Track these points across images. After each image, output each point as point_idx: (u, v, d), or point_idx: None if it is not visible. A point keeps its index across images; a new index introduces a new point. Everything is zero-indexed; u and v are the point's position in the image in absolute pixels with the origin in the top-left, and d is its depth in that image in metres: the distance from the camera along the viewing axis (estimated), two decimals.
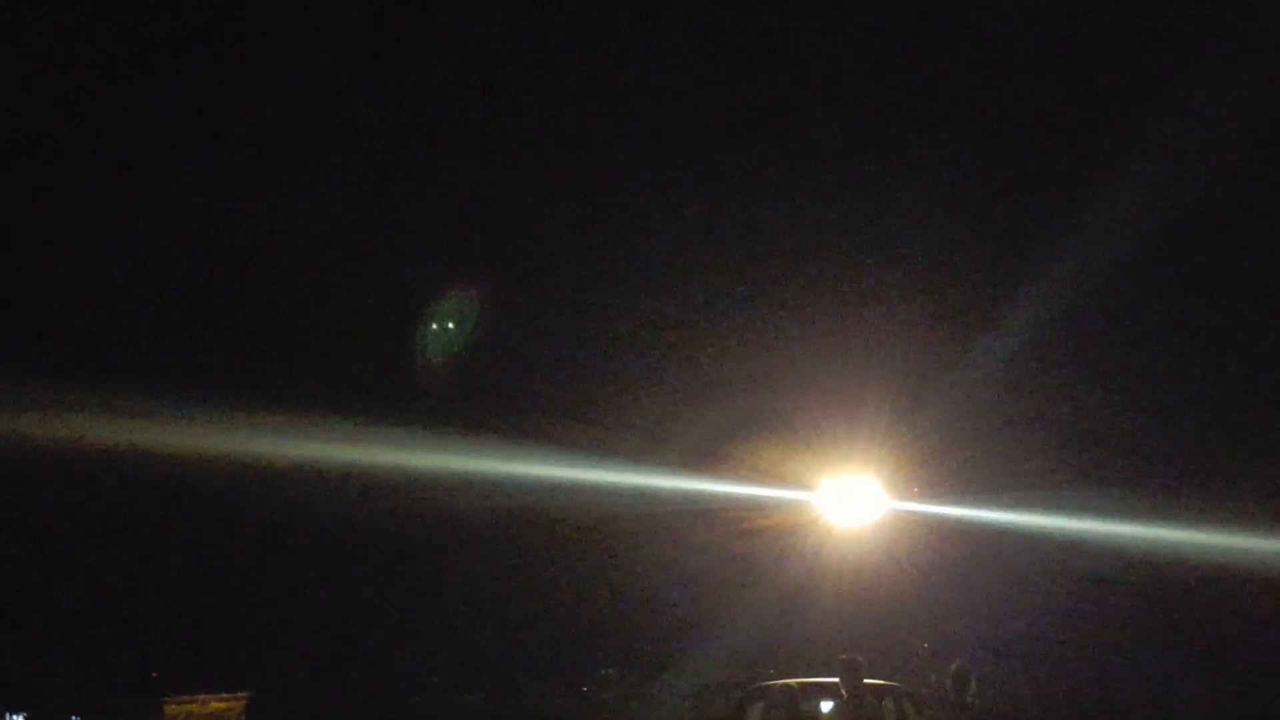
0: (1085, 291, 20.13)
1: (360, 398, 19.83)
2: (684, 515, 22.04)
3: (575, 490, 20.62)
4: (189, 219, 19.77)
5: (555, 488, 20.44)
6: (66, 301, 20.45)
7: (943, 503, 21.57)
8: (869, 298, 21.93)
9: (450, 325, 22.13)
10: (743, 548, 22.35)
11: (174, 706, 17.86)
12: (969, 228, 21.05)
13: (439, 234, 21.15)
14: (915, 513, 21.68)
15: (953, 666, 12.11)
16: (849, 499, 21.44)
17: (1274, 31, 17.08)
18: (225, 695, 18.32)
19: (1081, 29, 19.85)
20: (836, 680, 13.11)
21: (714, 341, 22.73)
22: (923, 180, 20.57)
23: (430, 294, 21.61)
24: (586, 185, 21.55)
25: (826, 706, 13.53)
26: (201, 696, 18.19)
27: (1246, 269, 20.49)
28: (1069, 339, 21.38)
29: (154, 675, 19.74)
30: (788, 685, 14.15)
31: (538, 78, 20.62)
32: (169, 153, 19.58)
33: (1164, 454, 21.00)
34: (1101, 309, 21.09)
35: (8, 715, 19.23)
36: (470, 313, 22.06)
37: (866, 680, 12.34)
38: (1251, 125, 17.77)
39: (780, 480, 21.73)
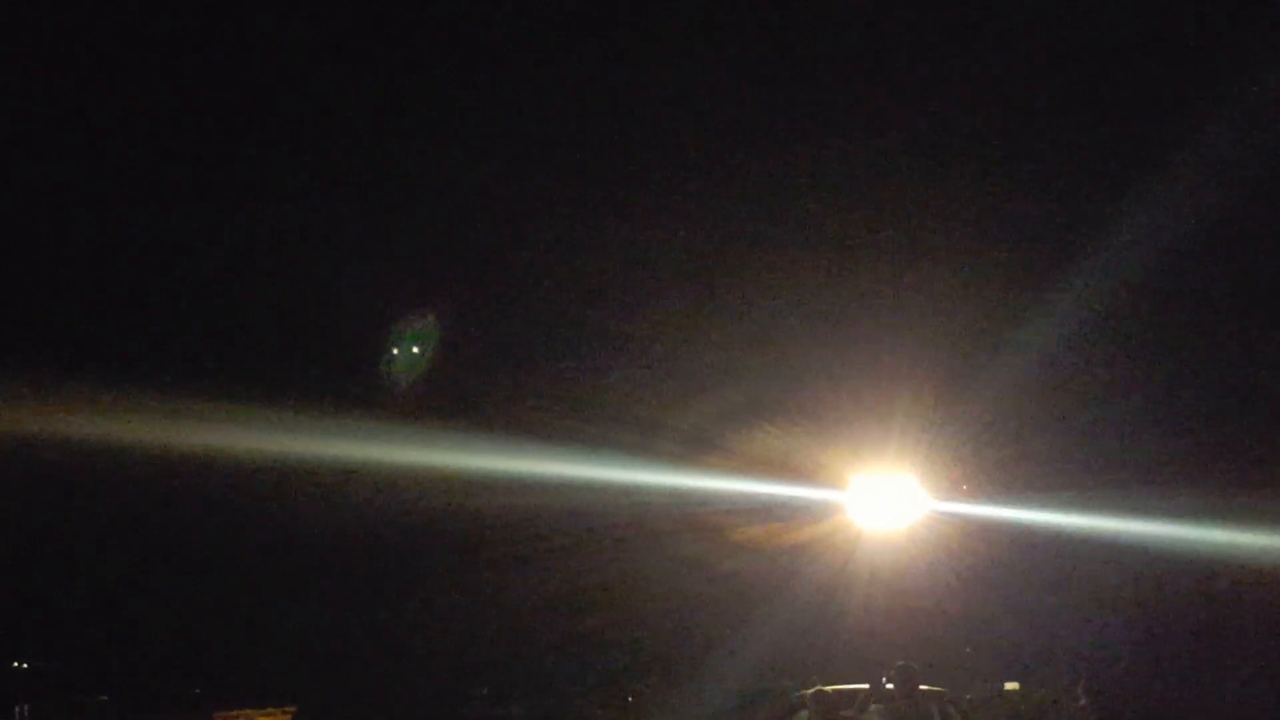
0: (1152, 270, 19.56)
1: (386, 396, 19.96)
2: (715, 516, 21.98)
3: (603, 491, 20.61)
4: (179, 218, 19.64)
5: (584, 488, 20.39)
6: (61, 301, 20.41)
7: (991, 503, 21.23)
8: (906, 274, 20.98)
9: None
10: (773, 551, 22.34)
11: None
12: (1022, 200, 20.52)
13: (426, 223, 20.95)
14: (960, 514, 21.29)
15: (894, 667, 12.28)
16: (886, 499, 20.97)
17: None
18: (271, 709, 18.47)
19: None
20: (884, 686, 13.33)
21: (742, 331, 22.35)
22: (971, 159, 20.23)
23: (420, 290, 21.46)
24: (607, 166, 21.25)
25: (873, 713, 13.65)
26: (247, 711, 18.33)
27: None
28: (1136, 320, 20.77)
29: (198, 690, 19.95)
30: (834, 691, 14.26)
31: (527, 66, 20.38)
32: (158, 153, 19.50)
33: (1238, 451, 20.58)
34: (1171, 289, 20.41)
35: None
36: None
37: (921, 687, 12.53)
38: None
39: (815, 479, 21.45)
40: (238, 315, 20.76)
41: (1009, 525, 20.98)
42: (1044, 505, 20.62)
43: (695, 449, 21.57)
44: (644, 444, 21.27)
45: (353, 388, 20.52)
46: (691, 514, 21.82)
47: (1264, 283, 20.31)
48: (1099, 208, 20.05)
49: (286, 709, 18.60)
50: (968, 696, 14.78)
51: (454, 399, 21.44)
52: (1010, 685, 19.63)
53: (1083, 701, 13.44)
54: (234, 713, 18.24)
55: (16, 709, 18.83)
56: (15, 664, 20.71)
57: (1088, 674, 16.21)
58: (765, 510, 21.85)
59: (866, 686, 13.77)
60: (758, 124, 21.10)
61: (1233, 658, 19.14)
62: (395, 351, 21.68)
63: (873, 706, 13.45)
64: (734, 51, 20.16)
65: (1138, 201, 19.34)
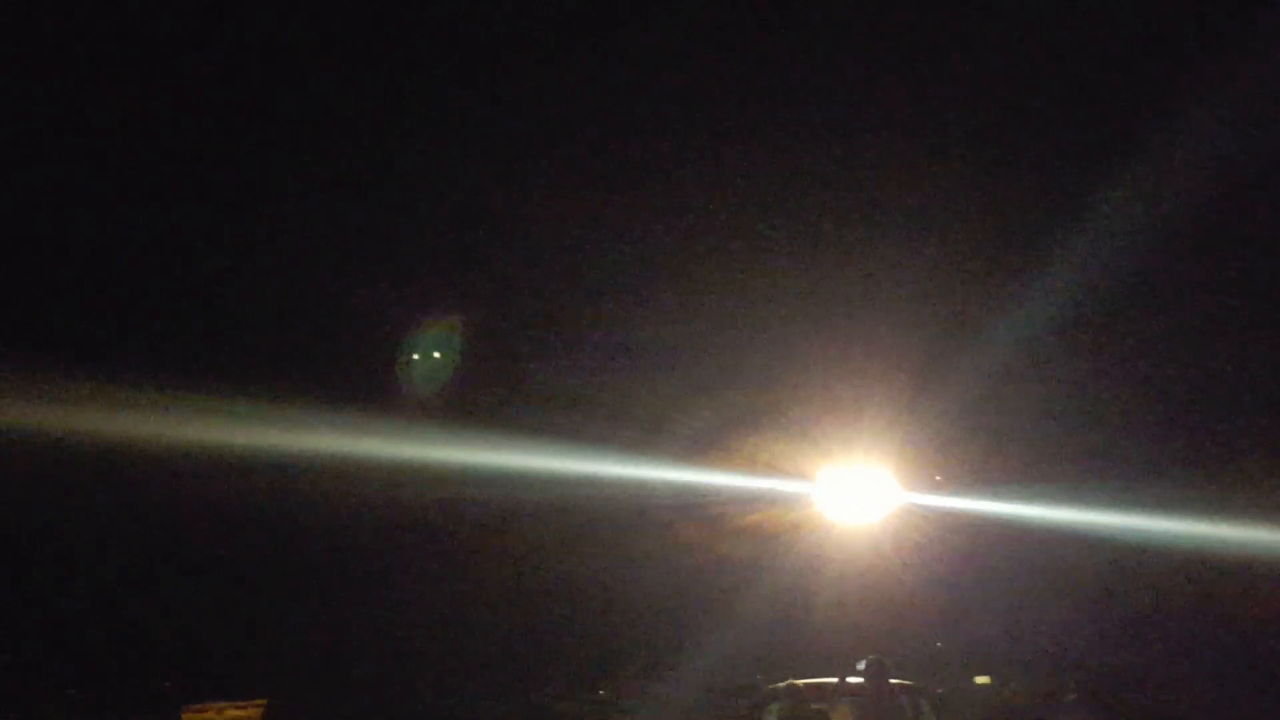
0: (1127, 262, 19.60)
1: (348, 392, 19.85)
2: (677, 510, 21.83)
3: (566, 485, 20.46)
4: (184, 215, 19.61)
5: (545, 482, 20.30)
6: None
7: (963, 496, 21.18)
8: (880, 265, 21.19)
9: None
10: (739, 544, 22.17)
11: (192, 715, 17.91)
12: (997, 191, 20.49)
13: (420, 226, 20.91)
14: (932, 506, 21.19)
15: (865, 661, 12.38)
16: (857, 491, 20.84)
17: None
18: (241, 703, 18.37)
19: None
20: (853, 680, 13.40)
21: (712, 322, 22.22)
22: (941, 147, 20.20)
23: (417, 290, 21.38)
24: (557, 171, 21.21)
25: (844, 707, 13.71)
26: (218, 704, 18.24)
27: None
28: (1110, 312, 20.89)
29: (167, 684, 19.83)
30: (805, 685, 14.31)
31: (525, 68, 20.37)
32: (161, 150, 19.47)
33: (1212, 442, 20.66)
34: (1146, 281, 20.47)
35: None
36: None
37: (891, 680, 12.62)
38: None
39: (785, 472, 21.39)
40: (216, 309, 20.75)
41: (981, 518, 21.01)
42: (1016, 498, 20.63)
43: (661, 441, 21.51)
44: (606, 436, 21.20)
45: (325, 381, 20.43)
46: (660, 507, 21.74)
47: (1238, 276, 20.42)
48: (1073, 200, 20.10)
49: (257, 702, 18.52)
50: (938, 690, 14.81)
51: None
52: (981, 679, 19.70)
53: (1073, 697, 13.48)
54: (203, 706, 18.15)
55: None
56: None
57: (1078, 669, 16.33)
58: (735, 503, 21.78)
59: (836, 680, 13.86)
60: (724, 120, 21.16)
61: (1212, 650, 19.27)
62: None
63: (843, 699, 13.59)
64: (703, 46, 20.22)
65: (1112, 194, 19.36)
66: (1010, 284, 20.75)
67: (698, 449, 21.56)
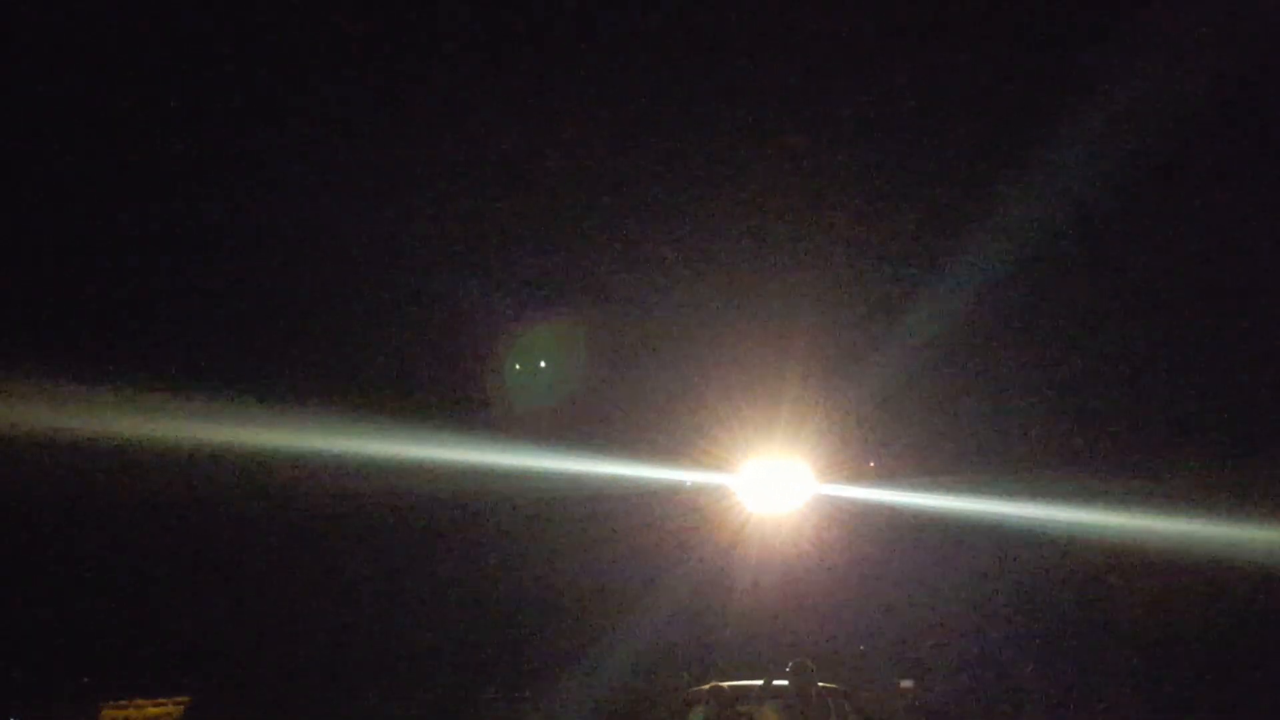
0: (1042, 251, 19.85)
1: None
2: (590, 503, 21.47)
3: (467, 474, 20.15)
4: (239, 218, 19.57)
5: (444, 471, 19.97)
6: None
7: (882, 487, 21.23)
8: (794, 258, 21.14)
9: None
10: (649, 539, 21.87)
11: (111, 712, 17.74)
12: (912, 172, 20.53)
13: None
14: (848, 498, 21.19)
15: (791, 664, 12.60)
16: (772, 483, 20.87)
17: None
18: (163, 700, 18.21)
19: None
20: (778, 683, 13.58)
21: (613, 304, 22.10)
22: (857, 133, 20.20)
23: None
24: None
25: (769, 710, 13.87)
26: (138, 702, 18.06)
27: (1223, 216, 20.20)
28: (1028, 298, 21.06)
29: (85, 680, 19.62)
30: (731, 688, 14.47)
31: (515, 65, 20.27)
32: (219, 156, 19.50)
33: (1131, 433, 20.87)
34: (1064, 263, 20.74)
35: None
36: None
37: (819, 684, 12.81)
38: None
39: (695, 463, 21.21)
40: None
41: (898, 510, 21.06)
42: (935, 490, 20.83)
43: (574, 433, 21.51)
44: (514, 427, 21.08)
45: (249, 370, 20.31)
46: (572, 500, 21.51)
47: (1158, 261, 20.65)
48: (987, 189, 20.30)
49: (179, 700, 18.37)
50: (863, 693, 15.06)
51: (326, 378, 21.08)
52: (905, 683, 19.93)
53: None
54: (123, 703, 17.98)
55: None
56: None
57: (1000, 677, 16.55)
58: (651, 495, 21.68)
59: (761, 683, 14.02)
60: (637, 111, 21.19)
61: (1127, 644, 19.62)
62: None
63: (769, 702, 13.78)
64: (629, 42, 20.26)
65: (1031, 179, 19.62)
66: (926, 275, 20.98)
67: (614, 441, 21.40)
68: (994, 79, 20.09)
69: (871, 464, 21.29)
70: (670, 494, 21.63)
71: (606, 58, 19.81)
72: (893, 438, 21.74)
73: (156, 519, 20.46)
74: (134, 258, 19.95)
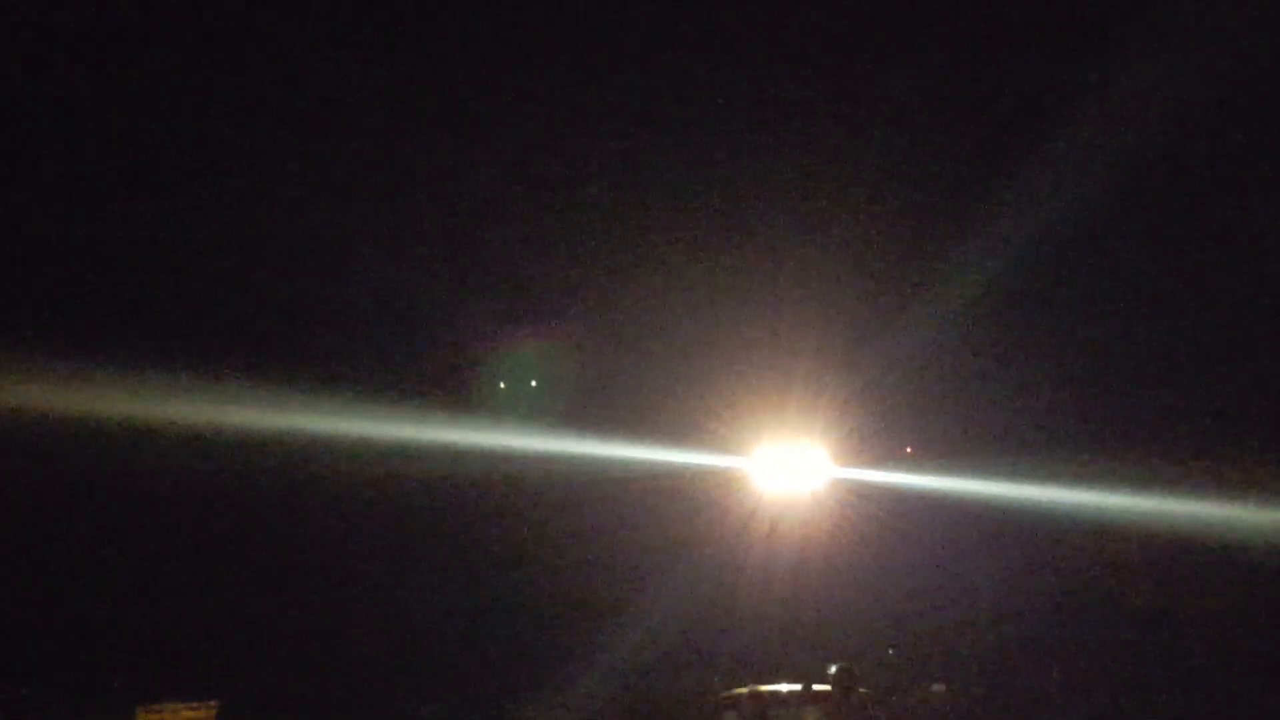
0: (1067, 231, 19.68)
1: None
2: (583, 487, 21.02)
3: (480, 458, 20.03)
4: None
5: (458, 455, 19.85)
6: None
7: (907, 471, 20.52)
8: (811, 240, 20.93)
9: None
10: (654, 526, 21.46)
11: (147, 716, 17.84)
12: (930, 151, 20.44)
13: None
14: (871, 484, 20.40)
15: (834, 668, 12.68)
16: (787, 466, 20.09)
17: None
18: (195, 704, 18.29)
19: None
20: (819, 688, 13.68)
21: (629, 288, 21.78)
22: (871, 123, 20.12)
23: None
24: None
25: (809, 716, 13.84)
26: (171, 705, 18.16)
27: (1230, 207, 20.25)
28: (1046, 279, 20.87)
29: (117, 685, 19.70)
30: (765, 692, 14.48)
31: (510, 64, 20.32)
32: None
33: (1157, 418, 20.35)
34: (1084, 254, 20.63)
35: None
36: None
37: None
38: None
39: (704, 446, 20.71)
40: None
41: (927, 496, 20.36)
42: (961, 473, 20.07)
43: (585, 415, 21.36)
44: (527, 409, 20.92)
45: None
46: (583, 484, 21.09)
47: (1171, 249, 20.59)
48: (1009, 170, 20.13)
49: (210, 704, 18.45)
50: (894, 698, 15.10)
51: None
52: (937, 687, 19.66)
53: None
54: (158, 707, 18.08)
55: None
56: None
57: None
58: (656, 479, 21.01)
59: (799, 687, 14.06)
60: (641, 104, 21.14)
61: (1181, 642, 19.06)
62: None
63: (809, 708, 13.82)
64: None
65: (1048, 163, 19.56)
66: (941, 259, 20.78)
67: (619, 423, 21.03)
68: (1023, 61, 20.07)
69: (908, 449, 20.70)
70: (678, 477, 21.04)
71: (615, 49, 19.80)
72: (920, 418, 21.21)
73: (184, 518, 20.53)
74: (137, 251, 19.97)
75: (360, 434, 19.68)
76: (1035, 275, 20.58)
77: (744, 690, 14.76)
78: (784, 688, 14.31)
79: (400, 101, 19.88)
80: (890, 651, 20.22)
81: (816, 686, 13.58)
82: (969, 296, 20.50)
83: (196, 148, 19.99)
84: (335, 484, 20.37)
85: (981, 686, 19.09)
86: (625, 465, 20.57)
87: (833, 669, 12.93)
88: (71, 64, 18.85)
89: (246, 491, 20.11)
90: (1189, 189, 20.92)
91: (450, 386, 21.66)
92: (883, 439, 21.51)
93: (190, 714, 18.13)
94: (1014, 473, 19.61)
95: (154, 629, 20.16)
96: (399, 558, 22.20)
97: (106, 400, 18.24)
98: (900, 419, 21.48)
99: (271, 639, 20.71)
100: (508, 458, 20.20)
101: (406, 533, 22.09)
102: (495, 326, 22.06)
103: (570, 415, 21.02)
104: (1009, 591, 20.27)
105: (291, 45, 19.32)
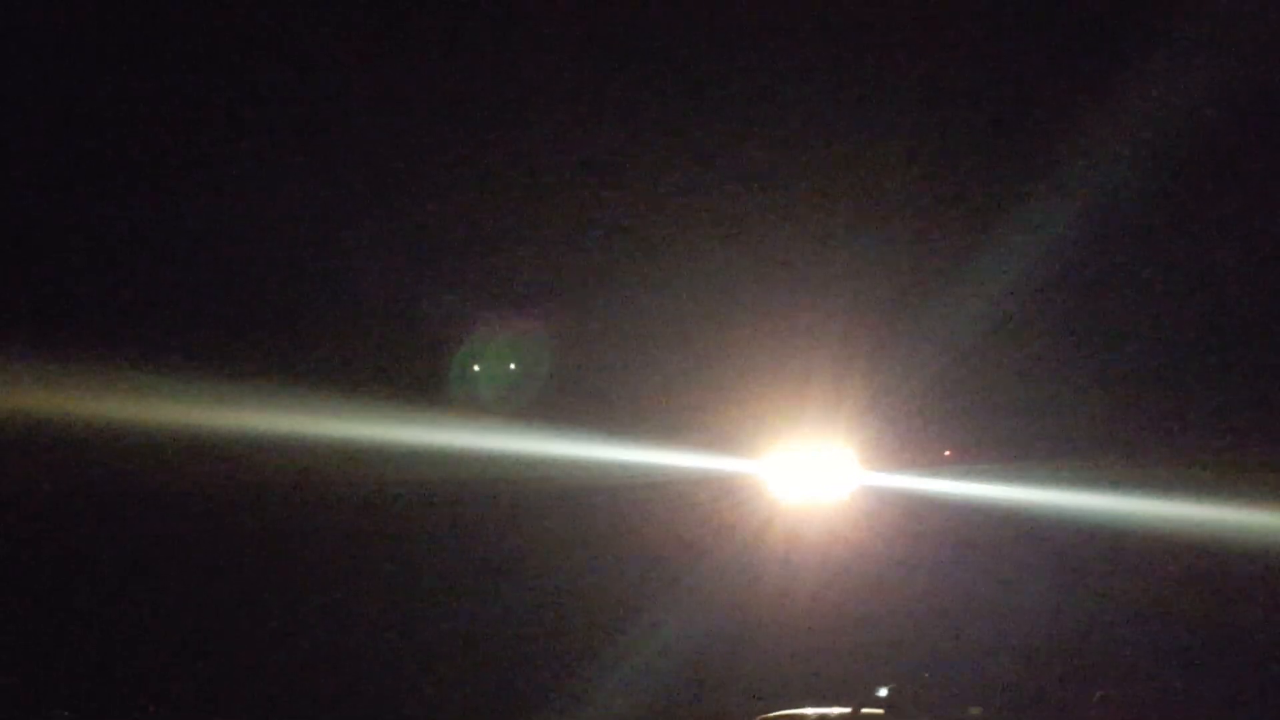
0: (1114, 224, 18.78)
1: None
2: (581, 494, 19.76)
3: (466, 463, 19.14)
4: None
5: (442, 460, 19.05)
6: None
7: (946, 478, 19.18)
8: (838, 220, 19.47)
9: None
10: (659, 537, 19.99)
11: None
12: (969, 152, 19.51)
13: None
14: (904, 491, 19.15)
15: (886, 690, 12.36)
16: (808, 471, 18.97)
17: None
18: None
19: None
20: (869, 711, 13.33)
21: (633, 275, 21.09)
22: (897, 116, 19.39)
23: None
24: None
25: None
26: None
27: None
28: (1113, 257, 19.32)
29: (152, 708, 19.73)
30: (813, 716, 14.10)
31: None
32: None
33: (1241, 419, 19.37)
34: (1135, 247, 19.47)
35: None
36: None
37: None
38: None
39: (713, 447, 19.39)
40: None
41: (969, 506, 19.08)
42: (1011, 480, 18.92)
43: (586, 415, 20.38)
44: (518, 410, 20.35)
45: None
46: (582, 490, 19.82)
47: (1209, 250, 19.72)
48: (1051, 159, 19.26)
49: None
50: None
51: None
52: (974, 710, 18.49)
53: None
54: None
55: None
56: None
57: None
58: (660, 485, 19.70)
59: (848, 710, 13.69)
60: (670, 99, 20.68)
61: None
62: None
63: None
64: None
65: (1081, 161, 18.81)
66: (985, 240, 19.75)
67: (618, 422, 20.26)
68: (1062, 50, 19.55)
69: (947, 452, 19.81)
70: (682, 483, 20.29)
71: (608, 41, 19.46)
72: (962, 416, 20.21)
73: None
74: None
75: (342, 427, 19.17)
76: (1101, 252, 19.46)
77: (785, 714, 14.40)
78: (834, 711, 13.96)
79: (369, 86, 19.52)
80: (925, 675, 19.19)
81: (866, 710, 13.26)
82: (1023, 270, 19.21)
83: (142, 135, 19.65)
84: (318, 487, 19.85)
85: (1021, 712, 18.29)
86: (622, 470, 19.68)
87: (883, 691, 12.56)
88: (60, 60, 18.70)
89: (200, 493, 19.64)
90: (1241, 176, 20.04)
91: (430, 384, 21.11)
92: (918, 440, 20.65)
93: None
94: (1072, 479, 18.65)
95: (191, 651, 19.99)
96: (385, 562, 21.58)
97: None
98: (939, 416, 20.43)
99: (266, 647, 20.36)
100: (487, 460, 19.46)
101: (382, 534, 21.52)
102: (483, 312, 21.47)
103: (563, 413, 20.15)
104: (1059, 611, 19.36)
105: (253, 36, 19.05)
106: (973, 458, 19.63)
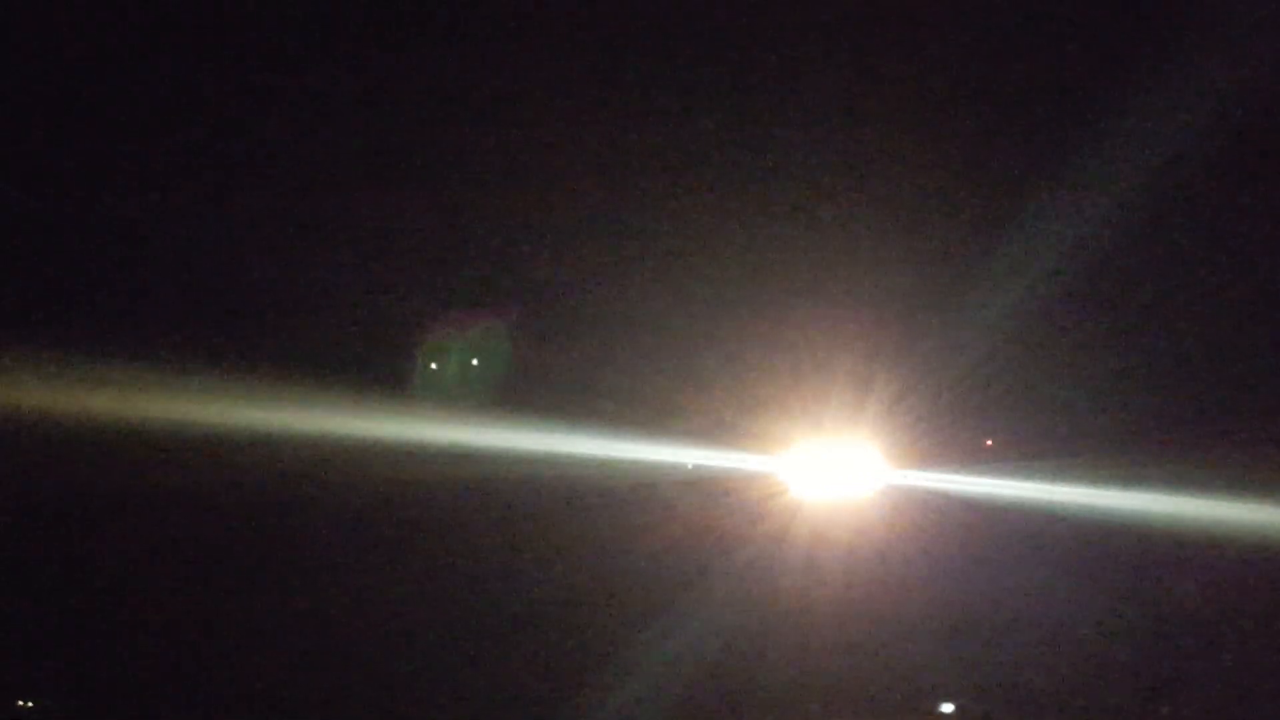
0: (1149, 212, 18.73)
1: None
2: (588, 493, 20.31)
3: (473, 461, 19.27)
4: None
5: (446, 457, 19.19)
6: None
7: (983, 475, 19.10)
8: (863, 209, 19.88)
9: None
10: (670, 538, 20.92)
11: None
12: (996, 141, 19.59)
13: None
14: (936, 490, 19.09)
15: (952, 708, 11.68)
16: (830, 467, 18.93)
17: None
18: None
19: None
20: None
21: (644, 259, 20.99)
22: (924, 110, 19.41)
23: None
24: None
25: None
26: None
27: None
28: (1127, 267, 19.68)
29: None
30: None
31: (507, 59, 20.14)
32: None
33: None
34: (1169, 238, 19.57)
35: None
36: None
37: None
38: None
39: (730, 443, 19.85)
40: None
41: (1009, 506, 19.17)
42: (1055, 478, 18.59)
43: (601, 409, 20.41)
44: (528, 403, 20.24)
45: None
46: (594, 489, 20.44)
47: (1237, 247, 19.77)
48: (1081, 148, 19.46)
49: None
50: None
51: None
52: None
53: None
54: None
55: None
56: (21, 703, 20.36)
57: None
58: (674, 483, 20.43)
59: None
60: (690, 96, 20.98)
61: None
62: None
63: None
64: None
65: (1123, 143, 18.72)
66: (1011, 237, 19.83)
67: (648, 418, 20.20)
68: (1091, 45, 19.73)
69: (987, 442, 19.39)
70: (698, 481, 20.24)
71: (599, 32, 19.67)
72: (1001, 406, 20.01)
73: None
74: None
75: (334, 422, 19.12)
76: (1155, 231, 19.31)
77: None
78: None
79: (331, 81, 19.75)
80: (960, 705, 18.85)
81: None
82: (1066, 254, 18.99)
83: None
84: (310, 474, 19.73)
85: None
86: (638, 467, 19.68)
87: (949, 707, 11.62)
88: (56, 59, 18.85)
89: (163, 491, 19.54)
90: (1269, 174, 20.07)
91: (410, 376, 21.26)
92: (953, 433, 20.36)
93: None
94: (1126, 477, 18.12)
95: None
96: (376, 561, 21.63)
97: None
98: (976, 407, 20.20)
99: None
100: (484, 457, 19.37)
101: (375, 529, 21.58)
102: (475, 303, 21.61)
103: (584, 411, 20.18)
104: (1110, 624, 19.01)
105: (224, 33, 19.26)
106: (1021, 452, 19.53)
